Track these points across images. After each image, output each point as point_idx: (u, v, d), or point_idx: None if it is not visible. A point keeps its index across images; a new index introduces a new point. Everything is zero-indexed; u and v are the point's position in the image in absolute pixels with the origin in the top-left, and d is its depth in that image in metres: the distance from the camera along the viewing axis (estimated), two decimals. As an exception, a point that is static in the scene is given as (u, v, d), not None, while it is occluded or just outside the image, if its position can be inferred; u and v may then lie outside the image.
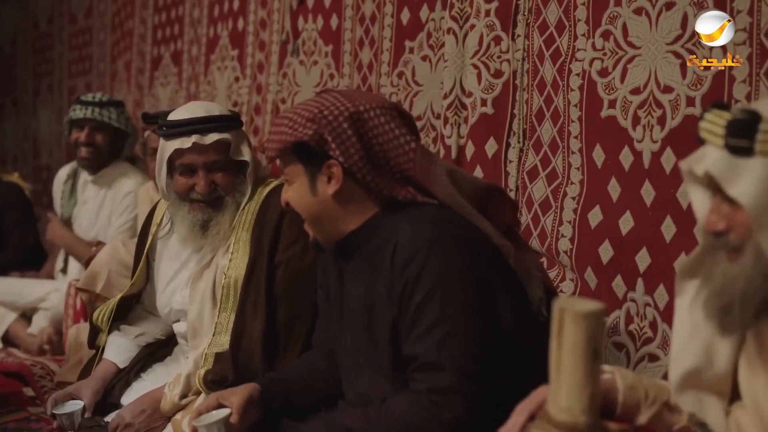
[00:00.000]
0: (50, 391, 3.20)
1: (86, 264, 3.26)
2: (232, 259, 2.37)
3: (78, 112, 3.88)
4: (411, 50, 3.01)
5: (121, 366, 2.59)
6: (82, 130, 3.88)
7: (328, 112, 1.80)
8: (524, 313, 1.80)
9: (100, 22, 5.71)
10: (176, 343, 2.62)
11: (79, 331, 3.33)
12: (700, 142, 1.38)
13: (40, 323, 3.99)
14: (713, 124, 1.34)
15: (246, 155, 2.40)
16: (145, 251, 2.59)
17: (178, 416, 2.28)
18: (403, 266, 1.72)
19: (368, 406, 1.78)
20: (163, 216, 2.58)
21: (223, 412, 1.91)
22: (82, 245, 3.88)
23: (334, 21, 3.38)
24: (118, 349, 2.63)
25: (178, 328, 2.53)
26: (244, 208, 2.40)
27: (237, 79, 4.03)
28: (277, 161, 1.92)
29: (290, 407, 2.00)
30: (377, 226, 1.82)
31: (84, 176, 4.02)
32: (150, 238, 2.59)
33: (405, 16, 3.03)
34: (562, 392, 1.22)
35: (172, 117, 2.39)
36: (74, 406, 2.44)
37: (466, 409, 1.64)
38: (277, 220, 2.35)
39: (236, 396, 1.93)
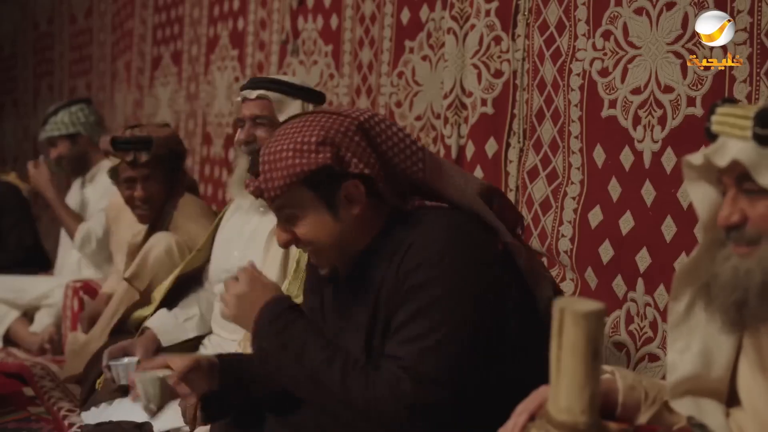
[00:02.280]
0: (50, 390, 3.20)
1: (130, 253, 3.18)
2: None
3: (41, 135, 4.08)
4: (411, 50, 3.01)
5: (164, 344, 2.64)
6: (48, 150, 4.11)
7: (335, 130, 1.68)
8: (530, 317, 1.78)
9: (100, 22, 5.72)
10: (200, 342, 2.66)
11: (76, 337, 3.34)
12: (711, 137, 1.38)
13: (44, 321, 3.99)
14: (732, 116, 1.34)
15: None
16: (211, 234, 2.75)
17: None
18: (408, 272, 1.66)
19: (348, 369, 1.66)
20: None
21: (164, 372, 1.86)
22: (67, 210, 3.90)
23: (334, 21, 3.38)
24: (165, 326, 2.69)
25: None
26: None
27: (237, 79, 4.03)
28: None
29: (242, 390, 1.91)
30: (390, 235, 1.74)
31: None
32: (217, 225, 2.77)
33: (405, 16, 3.03)
34: (562, 392, 1.22)
35: None
36: (130, 360, 2.49)
37: (427, 419, 1.60)
38: None
39: (183, 361, 1.86)
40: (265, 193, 1.71)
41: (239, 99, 2.61)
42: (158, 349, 2.63)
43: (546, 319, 1.77)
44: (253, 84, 2.60)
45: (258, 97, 2.55)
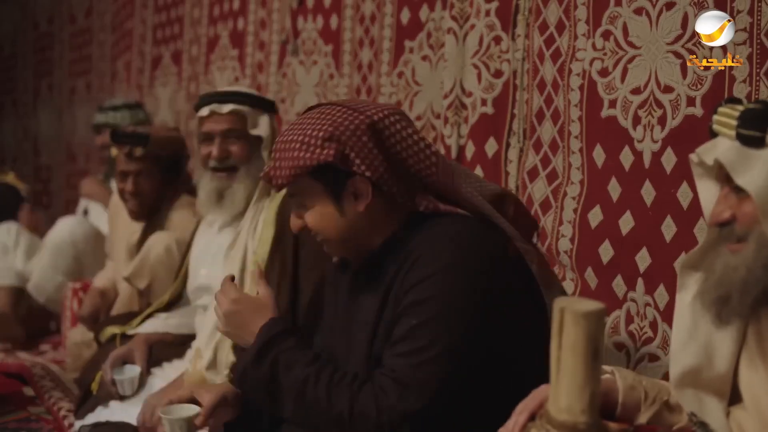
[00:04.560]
0: (50, 390, 3.20)
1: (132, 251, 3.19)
2: (261, 238, 2.42)
3: (96, 118, 4.09)
4: (411, 50, 3.01)
5: (141, 330, 2.68)
6: (101, 135, 4.05)
7: (344, 128, 1.69)
8: (539, 322, 1.78)
9: (100, 22, 5.72)
10: (188, 346, 2.65)
11: (83, 331, 3.34)
12: (712, 135, 1.39)
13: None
14: (727, 116, 1.36)
15: (263, 131, 2.50)
16: (186, 256, 2.72)
17: None
18: (413, 286, 1.67)
19: (333, 384, 1.68)
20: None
21: (191, 410, 1.88)
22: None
23: (334, 21, 3.38)
24: (147, 324, 2.73)
25: (201, 302, 2.61)
26: (270, 200, 2.46)
27: (237, 79, 4.03)
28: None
29: (266, 414, 1.93)
30: (399, 242, 1.75)
31: None
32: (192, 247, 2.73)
33: (405, 16, 3.03)
34: (562, 392, 1.22)
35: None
36: (132, 371, 2.52)
37: (411, 427, 1.61)
38: None
39: (210, 395, 1.88)
40: (273, 180, 1.75)
41: (204, 113, 2.52)
42: (152, 349, 2.64)
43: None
44: (222, 98, 2.53)
45: (230, 112, 2.50)
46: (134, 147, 3.03)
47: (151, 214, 3.12)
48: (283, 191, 2.39)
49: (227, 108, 2.49)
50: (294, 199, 1.78)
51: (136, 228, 3.16)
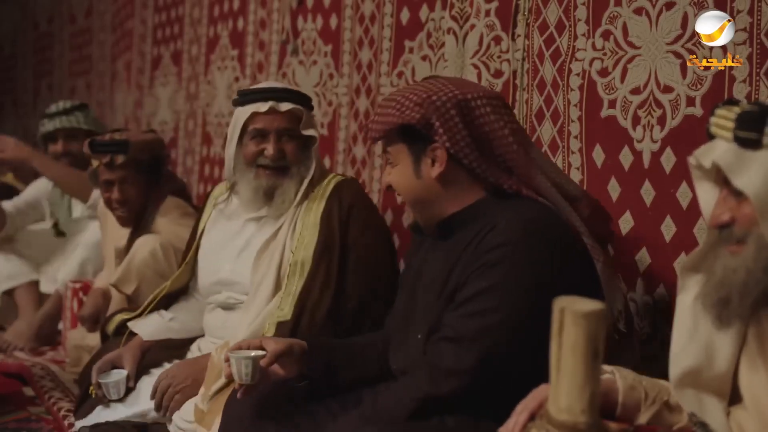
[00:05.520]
0: (50, 390, 3.20)
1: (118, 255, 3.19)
2: (300, 239, 2.43)
3: (47, 126, 3.95)
4: (411, 50, 3.01)
5: (144, 338, 2.65)
6: (56, 142, 3.96)
7: (437, 97, 1.83)
8: None
9: (100, 22, 5.72)
10: (188, 349, 2.64)
11: (83, 334, 3.33)
12: (710, 137, 1.39)
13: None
14: (724, 118, 1.36)
15: (314, 132, 2.51)
16: (195, 245, 2.69)
17: (201, 405, 2.28)
18: (484, 252, 1.75)
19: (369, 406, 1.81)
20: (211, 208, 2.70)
21: (257, 353, 1.96)
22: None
23: (333, 21, 3.38)
24: (148, 324, 2.70)
25: (219, 298, 2.57)
26: (310, 202, 2.48)
27: (237, 79, 4.03)
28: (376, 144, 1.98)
29: (330, 377, 2.04)
30: (480, 212, 1.84)
31: None
32: (199, 234, 2.70)
33: (405, 16, 3.03)
34: (562, 392, 1.22)
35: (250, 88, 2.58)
36: (118, 374, 2.51)
37: (464, 392, 1.72)
38: (346, 210, 2.46)
39: (277, 344, 1.98)
40: (369, 133, 1.93)
41: (261, 109, 2.45)
42: (145, 354, 2.62)
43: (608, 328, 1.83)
44: (280, 95, 2.48)
45: (288, 111, 2.46)
46: (115, 155, 3.02)
47: (138, 218, 3.12)
48: (325, 197, 2.48)
49: (286, 106, 2.46)
50: (386, 155, 1.93)
51: (124, 233, 3.16)
